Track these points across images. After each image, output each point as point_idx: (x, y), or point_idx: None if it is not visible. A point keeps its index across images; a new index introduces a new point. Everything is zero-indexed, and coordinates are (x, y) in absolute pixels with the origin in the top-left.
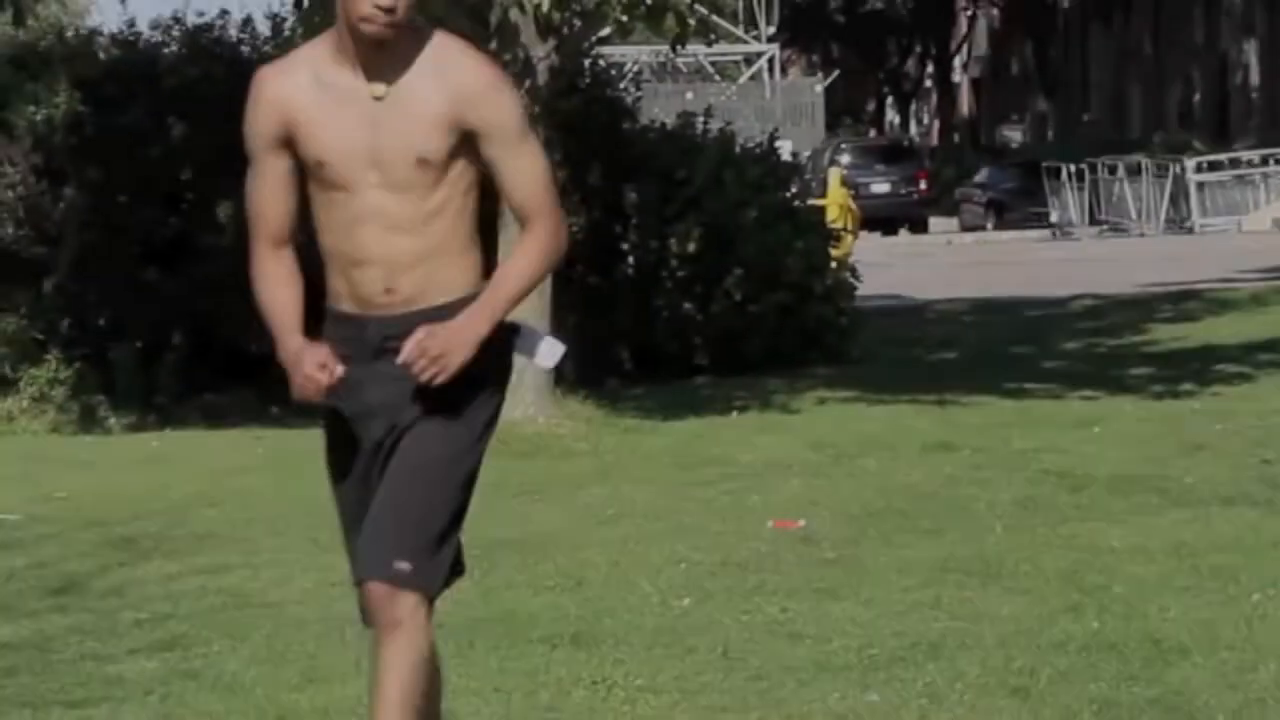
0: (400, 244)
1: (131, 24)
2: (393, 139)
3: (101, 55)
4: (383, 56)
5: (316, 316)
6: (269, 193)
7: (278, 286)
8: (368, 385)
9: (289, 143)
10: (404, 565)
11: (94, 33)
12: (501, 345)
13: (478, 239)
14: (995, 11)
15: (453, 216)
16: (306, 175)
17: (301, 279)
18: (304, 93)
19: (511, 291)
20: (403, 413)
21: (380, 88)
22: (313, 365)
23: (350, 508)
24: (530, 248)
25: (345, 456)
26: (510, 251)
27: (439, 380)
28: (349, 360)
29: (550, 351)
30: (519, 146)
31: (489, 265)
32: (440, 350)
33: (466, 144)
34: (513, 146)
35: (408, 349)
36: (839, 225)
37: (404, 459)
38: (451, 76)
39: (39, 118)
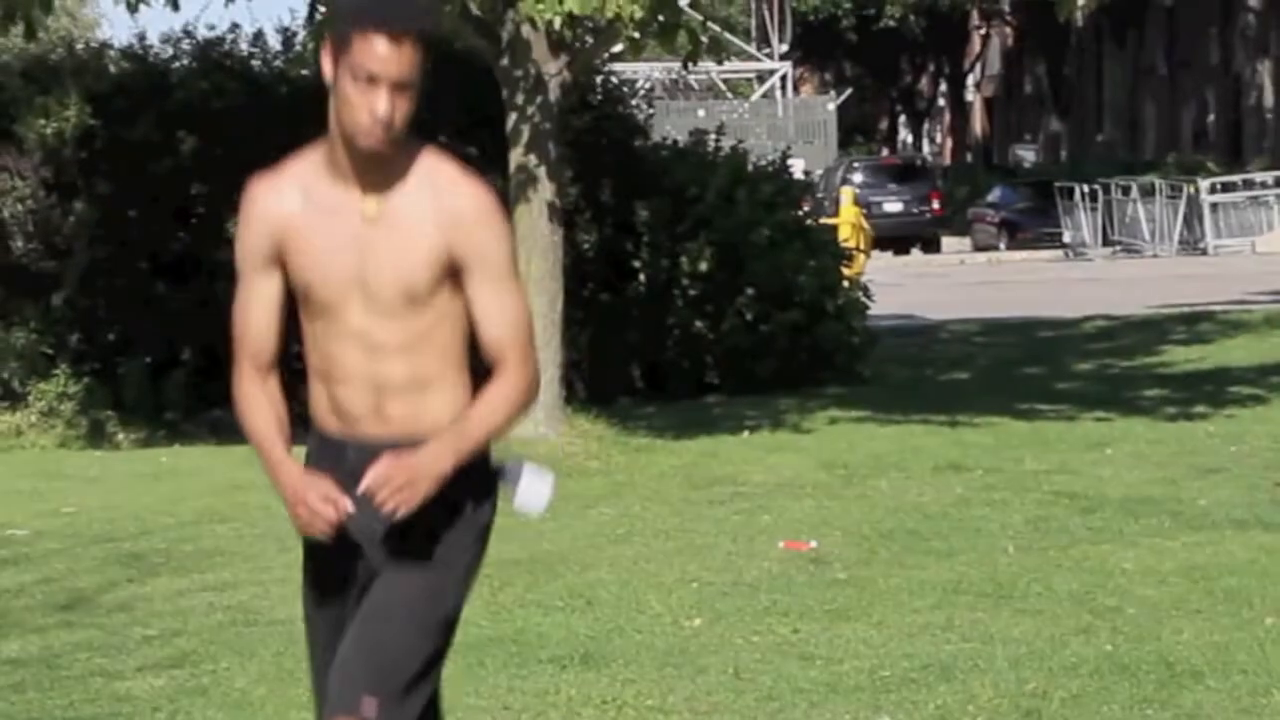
0: (384, 367)
1: (142, 37)
2: (380, 266)
3: (112, 69)
4: (376, 171)
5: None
6: (256, 316)
7: (263, 412)
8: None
9: (279, 262)
10: (370, 707)
11: (104, 46)
12: (488, 487)
13: (467, 370)
14: (1009, 30)
15: (440, 343)
16: (294, 294)
17: (285, 404)
18: (294, 211)
19: (476, 435)
20: (381, 548)
21: (371, 205)
22: (317, 499)
23: (323, 638)
24: (499, 394)
25: (328, 580)
26: (480, 394)
27: (399, 514)
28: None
29: (532, 493)
30: (503, 284)
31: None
32: (405, 480)
33: (454, 273)
34: (497, 283)
35: (371, 475)
36: (851, 244)
37: (378, 597)
38: (445, 200)
39: (48, 131)
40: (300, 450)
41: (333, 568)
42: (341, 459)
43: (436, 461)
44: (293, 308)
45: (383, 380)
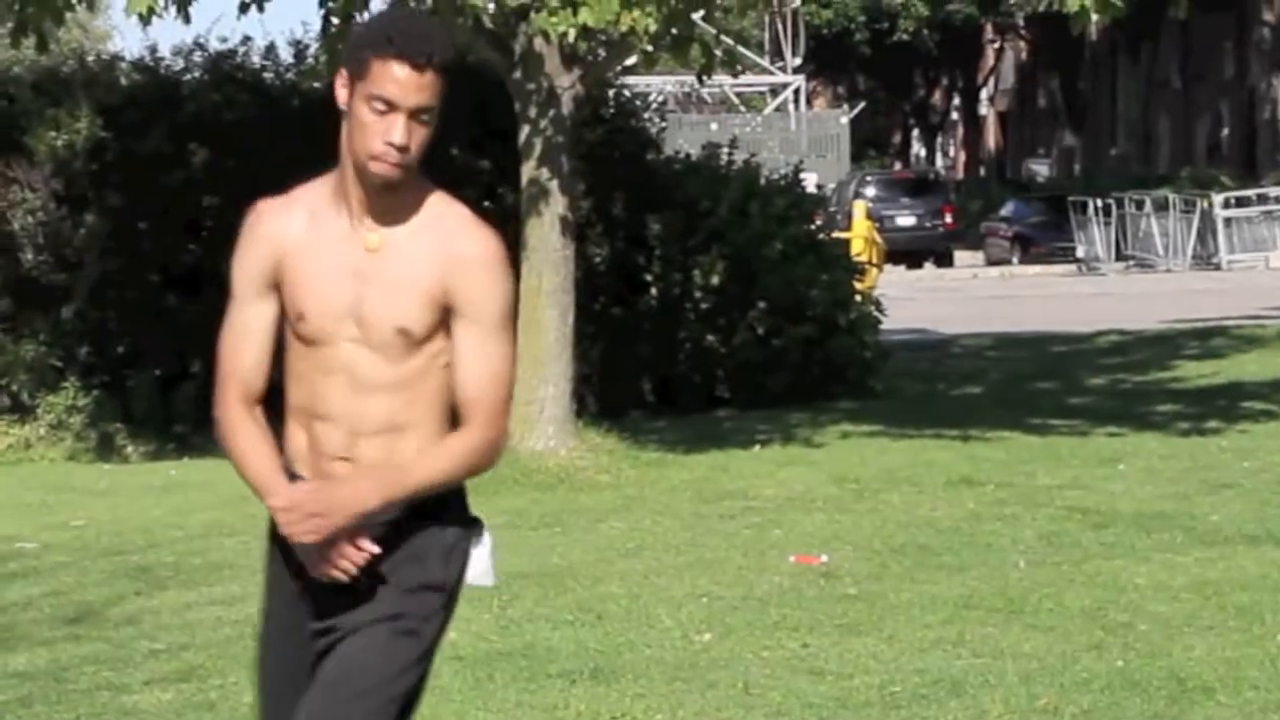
0: (365, 404)
1: (153, 50)
2: (376, 301)
3: (123, 81)
4: (384, 203)
5: None
6: (248, 344)
7: (255, 442)
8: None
9: (277, 287)
10: None
11: (116, 58)
12: (460, 550)
13: (448, 422)
14: (1022, 44)
15: (427, 390)
16: (285, 322)
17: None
18: (298, 235)
19: (418, 482)
20: (347, 611)
21: (375, 238)
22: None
23: (277, 680)
24: (453, 447)
25: (286, 623)
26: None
27: (303, 539)
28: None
29: (478, 569)
30: (491, 336)
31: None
32: (319, 510)
33: (449, 317)
34: (484, 334)
35: (284, 497)
36: (864, 258)
37: (338, 665)
38: (450, 242)
39: (60, 143)
40: None
41: (292, 612)
42: None
43: (357, 498)
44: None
45: (360, 419)
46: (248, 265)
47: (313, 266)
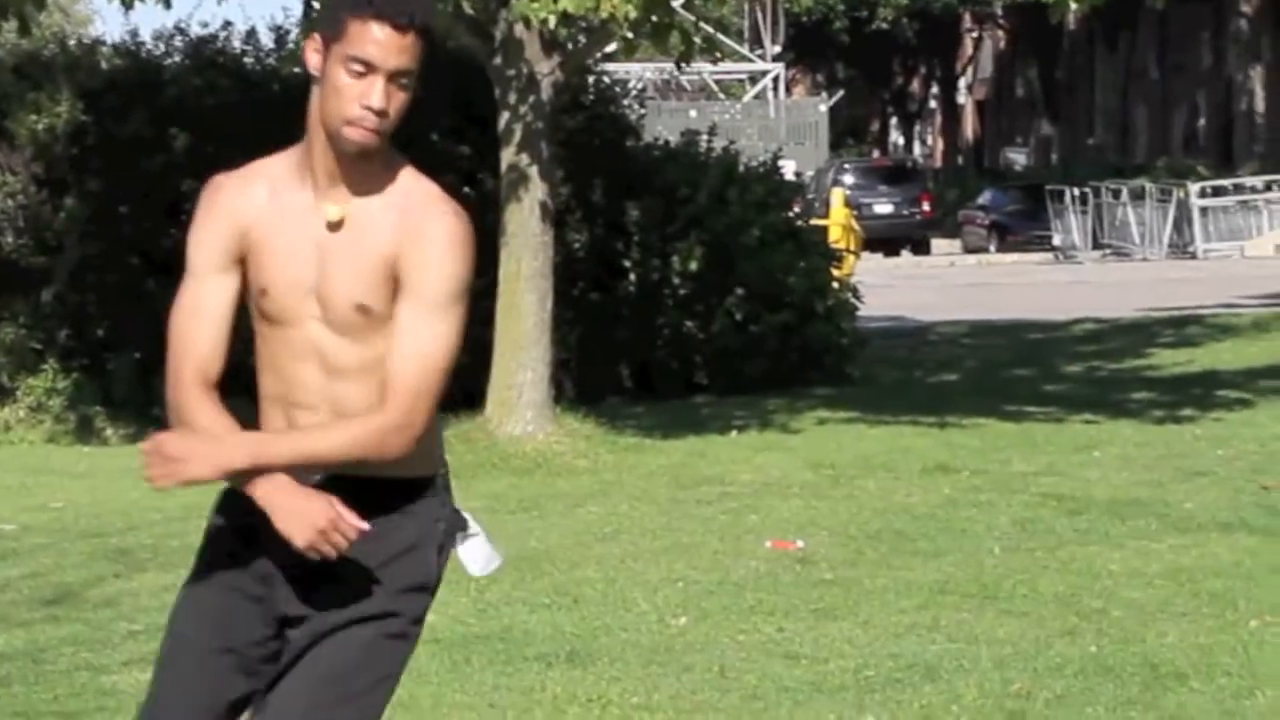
0: (342, 391)
1: (135, 34)
2: (336, 277)
3: (104, 65)
4: (351, 175)
5: None
6: (204, 323)
7: (215, 418)
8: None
9: (239, 262)
10: None
11: (97, 42)
12: (446, 547)
13: (436, 413)
14: (1001, 33)
15: None
16: (248, 304)
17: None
18: (259, 208)
19: (305, 451)
20: (326, 611)
21: (336, 210)
22: (326, 518)
23: (191, 649)
24: (359, 427)
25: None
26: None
27: (154, 481)
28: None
29: (481, 558)
30: (431, 316)
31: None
32: (178, 454)
33: None
34: (425, 313)
35: (148, 441)
36: (841, 246)
37: (326, 664)
38: (412, 217)
39: (40, 127)
40: None
41: (243, 592)
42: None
43: (223, 452)
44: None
45: (343, 405)
46: (205, 239)
47: (275, 238)
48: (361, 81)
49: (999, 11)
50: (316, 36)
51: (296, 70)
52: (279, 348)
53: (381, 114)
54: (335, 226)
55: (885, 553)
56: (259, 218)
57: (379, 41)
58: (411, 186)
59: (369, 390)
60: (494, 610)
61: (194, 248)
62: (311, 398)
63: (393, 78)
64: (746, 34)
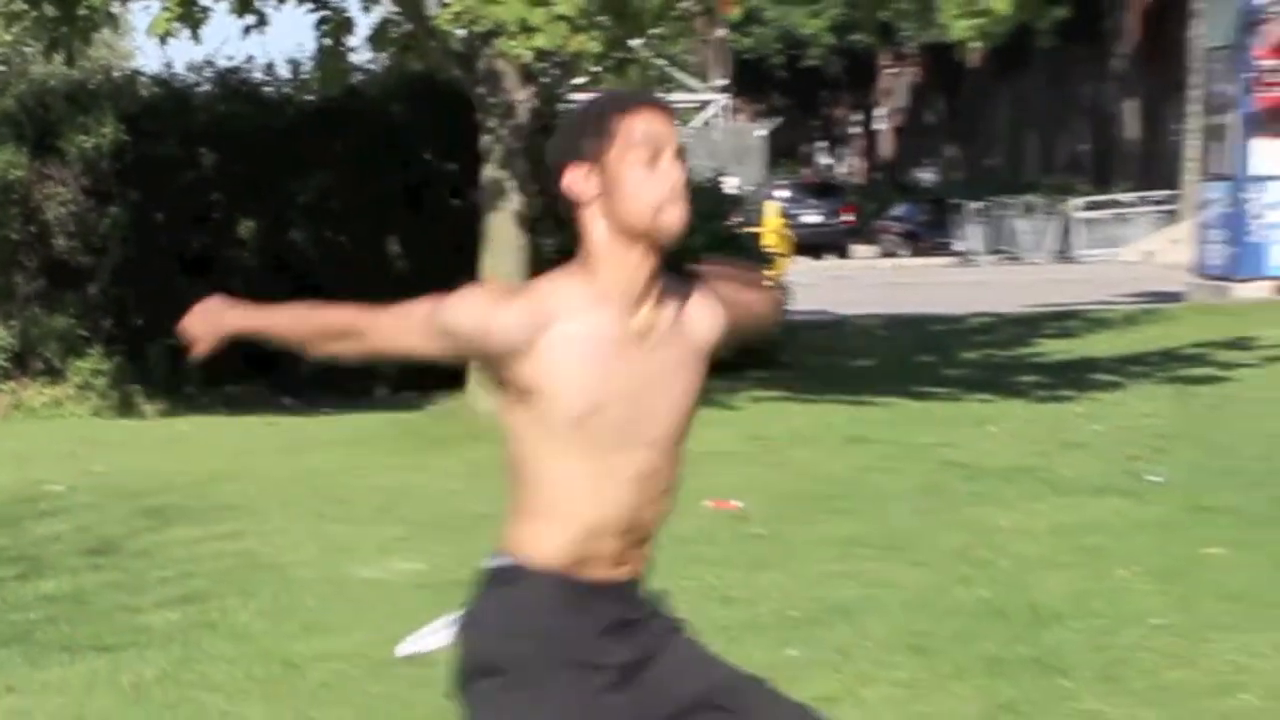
0: (651, 512)
1: (169, 65)
2: (664, 389)
3: (143, 93)
4: (650, 281)
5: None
6: (401, 337)
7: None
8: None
9: (507, 360)
10: None
11: (136, 73)
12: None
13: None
14: (914, 70)
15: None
16: (540, 425)
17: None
18: (571, 326)
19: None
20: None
21: (645, 324)
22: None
23: None
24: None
25: None
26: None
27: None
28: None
29: (432, 637)
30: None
31: None
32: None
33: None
34: None
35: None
36: (775, 249)
37: (741, 686)
38: (707, 310)
39: (88, 145)
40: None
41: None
42: (600, 611)
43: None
44: None
45: (644, 525)
46: (491, 310)
47: (590, 364)
48: (653, 167)
49: (913, 51)
50: (575, 163)
51: (308, 98)
52: (592, 474)
53: (683, 188)
54: (648, 339)
55: (809, 511)
56: (568, 333)
57: (655, 122)
58: (674, 282)
59: (667, 505)
60: (475, 559)
61: (466, 306)
62: (625, 524)
63: (676, 154)
64: (696, 69)
